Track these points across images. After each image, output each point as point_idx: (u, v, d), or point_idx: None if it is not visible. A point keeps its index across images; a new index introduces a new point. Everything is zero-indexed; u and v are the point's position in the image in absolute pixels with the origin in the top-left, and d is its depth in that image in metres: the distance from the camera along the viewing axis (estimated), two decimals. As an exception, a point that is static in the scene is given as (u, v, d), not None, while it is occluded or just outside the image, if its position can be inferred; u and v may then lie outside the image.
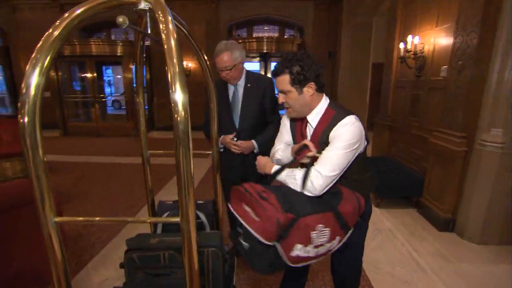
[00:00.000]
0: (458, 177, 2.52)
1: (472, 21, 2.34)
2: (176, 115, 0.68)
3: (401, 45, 3.37)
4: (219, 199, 1.70)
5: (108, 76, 17.82)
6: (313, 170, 1.10)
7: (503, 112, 2.24)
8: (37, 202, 0.74)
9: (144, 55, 1.38)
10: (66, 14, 0.75)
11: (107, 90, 16.21)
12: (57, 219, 0.75)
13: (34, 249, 1.72)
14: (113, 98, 13.94)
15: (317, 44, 7.32)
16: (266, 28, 8.08)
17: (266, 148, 1.82)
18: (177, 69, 0.70)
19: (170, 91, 0.70)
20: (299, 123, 1.31)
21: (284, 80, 1.16)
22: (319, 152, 1.16)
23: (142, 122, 1.48)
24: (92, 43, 6.66)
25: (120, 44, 6.71)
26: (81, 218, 0.80)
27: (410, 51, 3.18)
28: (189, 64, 7.45)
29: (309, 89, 1.17)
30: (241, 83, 1.83)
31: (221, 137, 1.84)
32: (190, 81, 7.68)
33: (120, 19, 0.80)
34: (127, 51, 6.71)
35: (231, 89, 1.84)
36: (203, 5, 7.18)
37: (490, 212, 2.37)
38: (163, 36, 0.72)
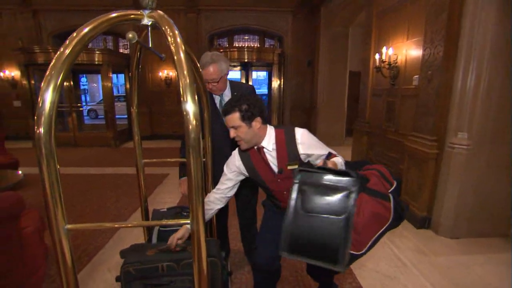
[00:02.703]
0: (432, 178, 2.73)
1: (438, 36, 2.59)
2: (188, 124, 0.74)
3: (377, 56, 3.61)
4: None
5: (83, 85, 17.22)
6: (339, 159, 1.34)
7: (467, 117, 2.48)
8: (49, 210, 0.77)
9: (121, 63, 1.42)
10: (74, 34, 0.79)
11: (83, 99, 15.67)
12: (69, 226, 0.78)
13: (14, 263, 1.66)
14: (88, 107, 13.47)
15: (297, 53, 7.59)
16: (246, 37, 8.25)
17: None
18: (188, 81, 0.76)
19: (182, 100, 0.75)
20: (254, 155, 1.43)
21: (234, 117, 1.32)
22: (294, 163, 1.36)
23: (136, 131, 1.51)
24: (68, 51, 6.45)
25: (98, 52, 6.57)
26: (93, 224, 0.82)
27: (385, 61, 3.42)
28: (170, 73, 7.43)
29: (257, 123, 1.35)
30: (227, 92, 1.87)
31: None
32: (171, 90, 7.65)
33: (130, 35, 0.85)
34: (106, 59, 6.58)
35: (217, 99, 1.87)
36: (184, 15, 7.24)
37: (459, 207, 2.59)
38: (172, 49, 0.78)
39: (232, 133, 1.35)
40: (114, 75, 10.30)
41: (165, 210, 1.78)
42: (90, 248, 2.44)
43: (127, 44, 8.05)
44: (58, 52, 0.76)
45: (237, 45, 7.93)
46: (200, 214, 0.80)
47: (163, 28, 0.82)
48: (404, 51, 3.27)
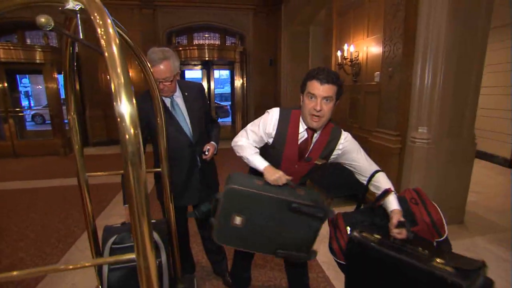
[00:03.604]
0: (396, 171, 2.80)
1: (396, 34, 2.64)
2: (123, 133, 0.56)
3: (338, 53, 3.63)
4: (172, 221, 1.55)
5: (25, 87, 15.45)
6: (379, 173, 1.39)
7: (426, 112, 2.56)
8: None
9: (75, 65, 1.18)
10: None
11: (25, 103, 14.05)
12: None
13: None
14: (33, 112, 12.10)
15: (258, 52, 7.50)
16: (206, 35, 7.97)
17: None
18: (122, 80, 0.57)
19: (115, 104, 0.57)
20: (294, 131, 1.33)
21: (333, 89, 1.23)
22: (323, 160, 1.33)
23: (76, 140, 1.26)
24: (-1, 47, 5.62)
25: (39, 49, 5.83)
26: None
27: (347, 58, 3.45)
28: (126, 72, 6.89)
29: (337, 103, 1.29)
30: (177, 93, 1.66)
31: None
32: (127, 90, 7.09)
33: (42, 19, 0.64)
34: (49, 57, 5.87)
35: (167, 101, 1.64)
36: (138, 11, 6.75)
37: (423, 200, 2.67)
38: (103, 42, 0.59)
39: (319, 105, 1.22)
40: (61, 76, 9.34)
41: (119, 225, 1.52)
42: (30, 279, 2.07)
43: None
44: None
45: (197, 43, 7.63)
46: (149, 246, 0.63)
47: (92, 16, 0.62)
48: (365, 48, 3.32)
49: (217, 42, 7.92)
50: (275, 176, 1.25)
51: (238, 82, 7.42)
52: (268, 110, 1.40)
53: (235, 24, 7.47)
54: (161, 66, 1.47)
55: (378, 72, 3.04)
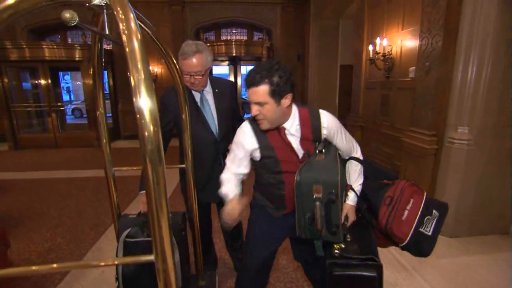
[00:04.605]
0: (430, 174, 2.60)
1: (436, 25, 2.44)
2: (143, 129, 0.54)
3: (370, 47, 3.45)
4: (196, 217, 1.55)
5: (67, 83, 16.60)
6: (350, 161, 1.31)
7: (468, 110, 2.35)
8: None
9: (103, 60, 1.20)
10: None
11: (66, 97, 15.09)
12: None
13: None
14: (73, 106, 12.96)
15: (286, 47, 7.38)
16: (234, 31, 7.99)
17: None
18: (143, 76, 0.56)
19: (134, 100, 0.56)
20: (274, 133, 1.23)
21: (262, 91, 1.08)
22: (320, 151, 1.21)
23: (104, 135, 1.30)
24: (44, 46, 6.05)
25: (78, 48, 6.20)
26: (17, 269, 0.62)
27: (379, 53, 3.26)
28: (155, 69, 7.12)
29: (287, 100, 1.14)
30: (208, 89, 1.64)
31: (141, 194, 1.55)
32: (157, 87, 7.34)
33: (67, 14, 0.64)
34: (86, 55, 6.22)
35: (197, 96, 1.62)
36: (168, 8, 6.92)
37: (460, 205, 2.47)
38: (124, 37, 0.58)
39: (255, 110, 1.12)
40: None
41: (135, 216, 1.53)
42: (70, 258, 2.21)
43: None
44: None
45: (224, 39, 7.66)
46: (167, 248, 0.61)
47: (115, 11, 0.61)
48: (399, 41, 3.12)
49: (244, 37, 7.90)
50: (226, 214, 1.18)
51: (264, 78, 7.35)
52: (239, 128, 1.29)
53: (263, 19, 7.40)
54: (194, 59, 1.46)
55: (413, 67, 2.84)
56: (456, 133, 2.41)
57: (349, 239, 1.25)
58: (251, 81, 1.09)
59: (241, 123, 1.79)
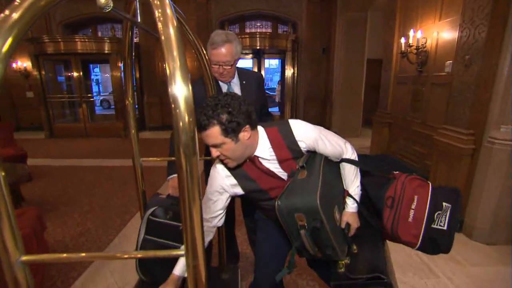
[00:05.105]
0: (466, 176, 2.44)
1: (480, 14, 2.24)
2: (178, 120, 0.53)
3: (402, 40, 3.26)
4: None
5: (96, 75, 17.33)
6: (343, 163, 1.17)
7: (513, 108, 2.16)
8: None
9: (133, 52, 1.21)
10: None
11: (95, 89, 15.77)
12: (25, 257, 0.58)
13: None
14: (101, 98, 13.53)
15: (311, 40, 7.20)
16: (258, 24, 7.91)
17: None
18: (178, 63, 0.54)
19: (169, 88, 0.54)
20: (248, 165, 1.12)
21: (213, 133, 0.97)
22: (302, 167, 1.09)
23: (132, 125, 1.31)
24: (77, 40, 6.34)
25: (107, 41, 6.42)
26: (53, 256, 0.63)
27: (412, 45, 3.08)
28: (180, 61, 7.22)
29: (245, 133, 1.02)
30: (235, 80, 1.63)
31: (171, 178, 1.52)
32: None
33: (102, 0, 0.63)
34: (115, 48, 6.43)
35: (224, 88, 1.62)
36: (193, 0, 6.96)
37: (499, 211, 2.29)
38: (159, 24, 0.56)
39: (214, 153, 1.02)
40: (125, 65, 10.20)
41: (164, 197, 1.54)
42: (93, 248, 2.32)
43: (137, 33, 7.86)
44: (2, 15, 0.54)
45: (248, 31, 7.60)
46: (200, 244, 0.60)
47: (150, -3, 0.59)
48: (435, 33, 2.92)
49: (269, 30, 7.80)
50: None
51: (288, 72, 7.24)
52: (211, 170, 1.16)
53: (288, 12, 7.25)
54: (223, 49, 1.44)
55: (450, 61, 2.65)
56: (498, 132, 2.23)
57: (355, 251, 1.15)
58: (199, 125, 0.97)
59: (267, 117, 1.76)
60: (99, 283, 1.91)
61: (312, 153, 1.15)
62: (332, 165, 1.16)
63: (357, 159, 1.18)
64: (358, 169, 1.18)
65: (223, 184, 1.12)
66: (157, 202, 1.43)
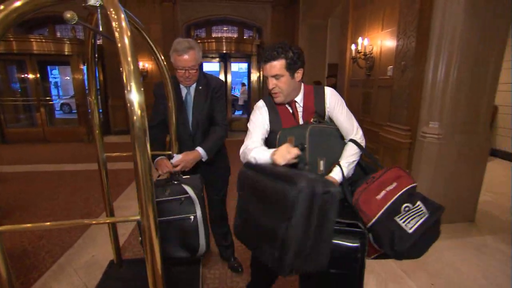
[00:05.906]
0: (405, 166, 2.79)
1: (410, 27, 2.61)
2: (132, 115, 0.68)
3: (353, 47, 3.61)
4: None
5: (55, 77, 16.29)
6: (349, 143, 1.30)
7: (438, 107, 2.53)
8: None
9: (96, 55, 1.31)
10: (2, 7, 0.69)
11: (54, 92, 14.84)
12: (0, 228, 0.69)
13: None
14: (61, 101, 12.79)
15: (276, 45, 7.49)
16: (225, 28, 8.07)
17: (214, 154, 1.74)
18: (132, 68, 0.69)
19: (125, 91, 0.69)
20: (284, 108, 1.34)
21: (280, 65, 1.21)
22: (318, 121, 1.30)
23: (96, 123, 1.41)
24: (32, 40, 6.00)
25: (68, 42, 6.17)
26: (29, 225, 0.74)
27: (361, 52, 3.43)
28: (146, 64, 7.15)
29: (299, 74, 1.27)
30: (195, 85, 1.73)
31: (157, 160, 1.61)
32: (146, 82, 7.36)
33: (68, 14, 0.76)
34: (76, 50, 6.21)
35: (183, 91, 1.73)
36: (159, 4, 6.95)
37: (431, 196, 2.63)
38: (116, 34, 0.71)
39: (272, 84, 1.24)
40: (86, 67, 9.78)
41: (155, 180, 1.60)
42: (56, 249, 2.30)
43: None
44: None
45: (215, 36, 7.74)
46: (151, 210, 0.74)
47: (108, 11, 0.73)
48: (379, 41, 3.29)
49: (235, 35, 8.00)
50: (282, 157, 1.08)
51: (254, 76, 7.48)
52: (255, 106, 1.40)
53: (253, 17, 7.50)
54: (186, 56, 1.56)
55: (391, 66, 3.02)
56: (427, 128, 2.60)
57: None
58: (269, 56, 1.21)
59: (217, 129, 1.77)
60: (63, 281, 1.92)
61: (329, 120, 1.36)
62: (338, 138, 1.32)
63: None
64: (359, 154, 1.29)
65: (261, 114, 1.34)
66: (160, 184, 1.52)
